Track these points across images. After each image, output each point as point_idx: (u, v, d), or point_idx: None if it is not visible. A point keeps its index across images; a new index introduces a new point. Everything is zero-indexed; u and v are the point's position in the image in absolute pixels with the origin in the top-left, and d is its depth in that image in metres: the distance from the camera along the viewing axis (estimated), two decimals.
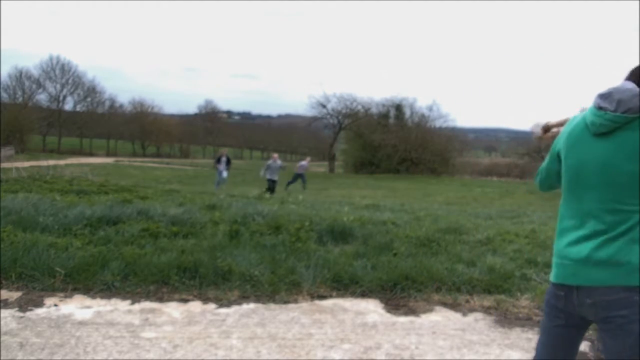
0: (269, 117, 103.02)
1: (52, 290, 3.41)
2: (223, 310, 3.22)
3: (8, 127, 48.00)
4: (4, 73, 78.32)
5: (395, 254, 4.32)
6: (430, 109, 48.75)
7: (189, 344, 2.72)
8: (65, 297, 3.33)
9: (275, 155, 18.38)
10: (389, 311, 3.34)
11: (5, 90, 57.14)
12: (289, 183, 20.14)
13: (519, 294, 3.65)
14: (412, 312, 3.34)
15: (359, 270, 3.86)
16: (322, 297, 3.52)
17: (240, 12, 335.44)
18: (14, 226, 4.48)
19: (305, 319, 3.13)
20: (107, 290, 3.45)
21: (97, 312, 3.11)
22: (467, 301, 3.54)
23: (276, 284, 3.59)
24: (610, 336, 1.41)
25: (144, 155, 66.62)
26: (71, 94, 62.24)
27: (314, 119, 53.00)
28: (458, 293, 3.64)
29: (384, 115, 49.02)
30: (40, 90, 60.62)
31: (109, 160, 48.22)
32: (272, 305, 3.34)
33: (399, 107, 48.65)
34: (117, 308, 3.19)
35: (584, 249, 1.44)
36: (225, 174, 18.20)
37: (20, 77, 58.31)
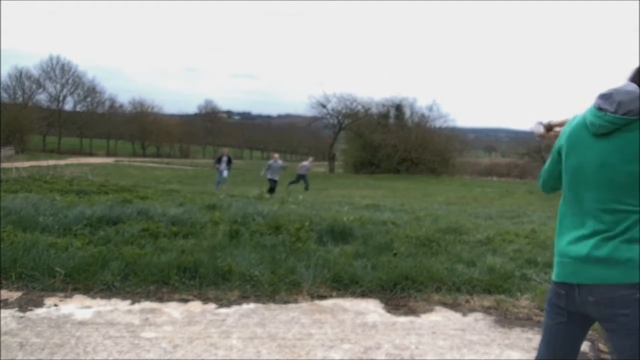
0: (269, 117, 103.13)
1: (52, 290, 3.41)
2: (223, 310, 3.22)
3: (8, 127, 48.01)
4: (4, 73, 78.38)
5: (395, 254, 4.32)
6: (430, 109, 48.84)
7: (189, 344, 2.72)
8: (65, 297, 3.33)
9: (276, 155, 18.39)
10: (389, 311, 3.34)
11: (5, 90, 57.24)
12: (291, 183, 20.05)
13: (519, 294, 3.65)
14: (412, 312, 3.34)
15: (359, 270, 3.86)
16: (322, 297, 3.52)
17: (240, 12, 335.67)
18: (14, 226, 4.48)
19: (305, 319, 3.13)
20: (107, 290, 3.45)
21: (97, 312, 3.11)
22: (467, 301, 3.54)
23: (276, 284, 3.59)
24: (617, 336, 1.43)
25: (144, 155, 66.63)
26: (71, 94, 62.32)
27: (314, 119, 53.03)
28: (458, 293, 3.64)
29: (384, 115, 49.04)
30: (40, 90, 60.73)
31: (109, 160, 48.23)
32: (272, 305, 3.34)
33: (399, 107, 48.68)
34: (117, 308, 3.19)
35: (584, 247, 1.45)
36: (225, 173, 18.22)
37: (20, 77, 58.39)
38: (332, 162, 50.22)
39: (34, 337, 2.72)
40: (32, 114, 55.53)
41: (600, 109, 1.42)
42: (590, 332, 1.86)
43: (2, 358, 2.46)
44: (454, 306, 3.46)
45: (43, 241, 4.02)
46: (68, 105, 63.14)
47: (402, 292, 3.61)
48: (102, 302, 3.28)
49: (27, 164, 26.42)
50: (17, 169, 19.98)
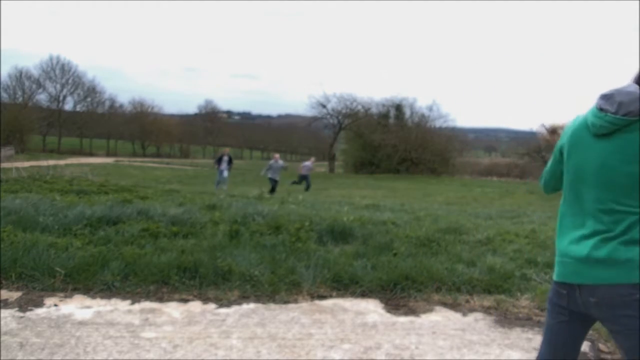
0: (269, 117, 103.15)
1: (52, 290, 3.41)
2: (223, 310, 3.22)
3: (8, 127, 48.02)
4: (4, 73, 78.51)
5: (395, 254, 4.32)
6: (430, 109, 48.78)
7: (189, 344, 2.72)
8: (65, 297, 3.33)
9: (277, 155, 18.41)
10: (389, 311, 3.34)
11: (5, 90, 57.27)
12: (293, 183, 19.97)
13: (519, 294, 3.65)
14: (412, 312, 3.34)
15: (359, 270, 3.86)
16: (322, 297, 3.52)
17: (240, 12, 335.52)
18: (14, 226, 4.48)
19: (305, 319, 3.13)
20: (107, 290, 3.45)
21: (97, 312, 3.11)
22: (467, 301, 3.54)
23: (276, 284, 3.59)
24: (621, 337, 1.44)
25: (144, 155, 66.64)
26: (71, 94, 62.36)
27: (314, 119, 53.01)
28: (458, 293, 3.64)
29: (384, 115, 49.00)
30: (40, 90, 60.76)
31: (109, 160, 48.24)
32: (272, 305, 3.34)
33: (399, 107, 48.64)
34: (117, 308, 3.19)
35: (584, 247, 1.45)
36: (226, 173, 18.23)
37: (20, 77, 58.42)
38: (332, 162, 50.21)
39: (34, 337, 2.72)
40: (32, 114, 55.54)
41: (601, 109, 1.42)
42: (590, 332, 1.87)
43: (2, 358, 2.46)
44: (454, 306, 3.46)
45: (43, 241, 4.02)
46: (68, 105, 63.28)
47: (402, 292, 3.61)
48: (102, 302, 3.28)
49: (27, 164, 26.44)
50: (17, 169, 19.98)
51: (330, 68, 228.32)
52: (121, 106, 70.19)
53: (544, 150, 37.29)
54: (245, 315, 3.15)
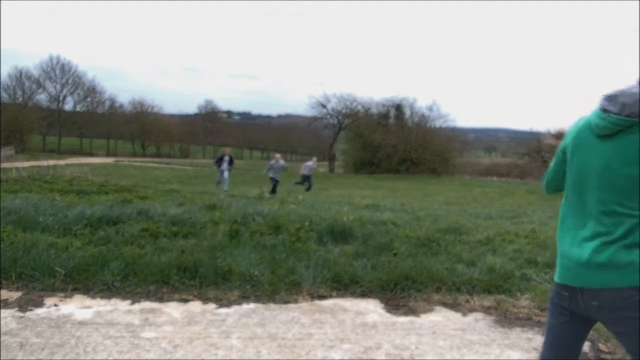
0: (269, 117, 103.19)
1: (52, 290, 3.41)
2: (223, 310, 3.22)
3: (8, 127, 48.01)
4: (4, 73, 78.56)
5: (395, 254, 4.32)
6: (430, 109, 48.82)
7: (189, 344, 2.72)
8: (65, 297, 3.33)
9: (278, 155, 18.42)
10: (389, 311, 3.34)
11: (5, 90, 57.30)
12: (296, 183, 19.93)
13: (519, 294, 3.65)
14: (412, 312, 3.34)
15: (359, 270, 3.86)
16: (322, 297, 3.52)
17: (240, 12, 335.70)
18: (14, 226, 4.48)
19: (305, 319, 3.13)
20: (107, 290, 3.45)
21: (97, 312, 3.11)
22: (467, 301, 3.54)
23: (276, 284, 3.59)
24: (626, 339, 1.44)
25: (144, 155, 66.65)
26: (71, 94, 62.39)
27: (314, 119, 53.02)
28: (458, 293, 3.63)
29: (384, 115, 49.02)
30: (40, 90, 60.79)
31: (109, 160, 48.24)
32: (272, 305, 3.34)
33: (399, 107, 48.66)
34: (117, 308, 3.19)
35: (585, 251, 1.45)
36: (226, 173, 18.24)
37: (20, 77, 58.46)
38: (332, 162, 50.21)
39: (34, 337, 2.72)
40: (32, 114, 55.56)
41: (604, 110, 1.42)
42: (590, 332, 1.87)
43: (2, 358, 2.46)
44: (454, 306, 3.46)
45: (43, 241, 4.02)
46: (68, 105, 63.32)
47: (402, 292, 3.61)
48: (102, 302, 3.28)
49: (27, 164, 26.44)
50: (17, 169, 19.99)
51: (330, 68, 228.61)
52: (121, 106, 70.35)
53: (544, 151, 37.27)
54: (245, 315, 3.15)
